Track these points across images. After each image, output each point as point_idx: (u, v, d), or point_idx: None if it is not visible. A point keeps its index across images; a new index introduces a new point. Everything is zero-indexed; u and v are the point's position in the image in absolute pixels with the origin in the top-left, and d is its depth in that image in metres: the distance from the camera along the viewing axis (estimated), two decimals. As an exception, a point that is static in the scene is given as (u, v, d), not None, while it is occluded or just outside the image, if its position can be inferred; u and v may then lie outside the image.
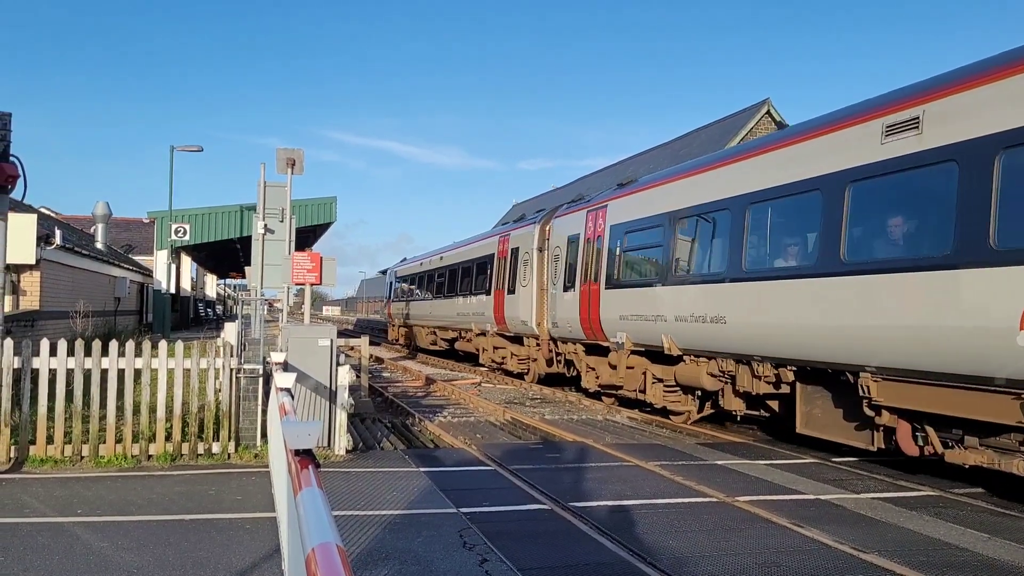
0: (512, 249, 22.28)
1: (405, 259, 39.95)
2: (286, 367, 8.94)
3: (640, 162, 44.63)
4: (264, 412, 10.00)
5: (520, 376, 22.29)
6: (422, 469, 9.73)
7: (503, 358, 23.20)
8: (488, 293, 24.14)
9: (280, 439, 6.24)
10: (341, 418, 10.52)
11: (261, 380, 10.27)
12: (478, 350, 25.61)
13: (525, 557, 6.35)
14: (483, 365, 25.38)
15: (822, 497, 8.71)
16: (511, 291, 21.97)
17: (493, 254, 24.19)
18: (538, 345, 20.51)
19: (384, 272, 63.74)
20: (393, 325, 40.21)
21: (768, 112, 34.42)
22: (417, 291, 34.77)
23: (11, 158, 8.84)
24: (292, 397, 6.15)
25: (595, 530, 7.21)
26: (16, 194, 9.14)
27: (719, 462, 10.64)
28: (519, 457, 10.76)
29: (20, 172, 8.86)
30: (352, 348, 17.12)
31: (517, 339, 22.29)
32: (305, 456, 3.45)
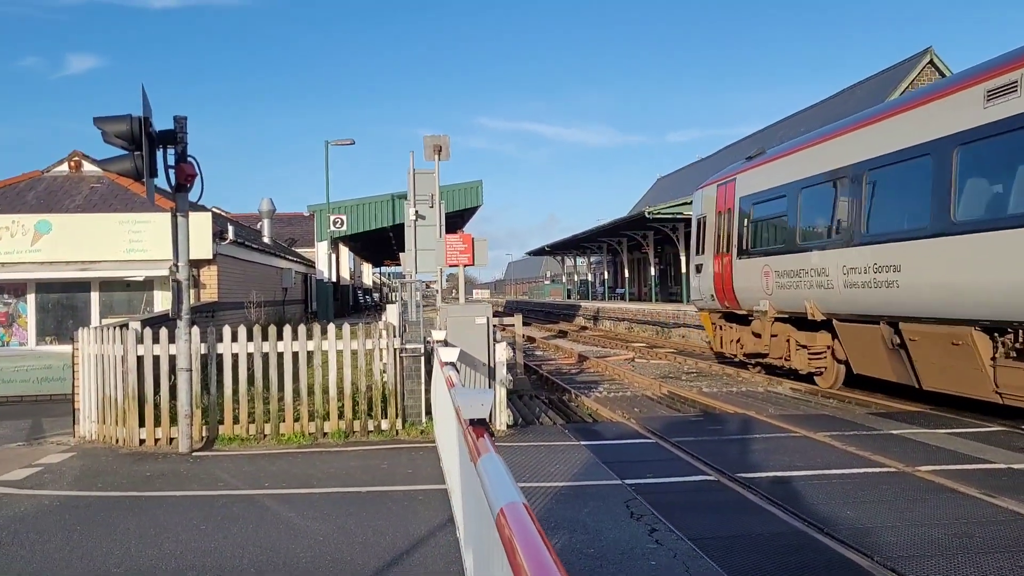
0: None
1: (760, 154, 16.68)
2: (446, 344, 9.18)
3: (790, 125, 42.81)
4: (427, 390, 10.34)
5: None
6: (583, 443, 9.78)
7: None
8: None
9: (447, 413, 6.44)
10: (501, 394, 10.72)
11: (423, 359, 10.61)
12: None
13: (694, 527, 6.26)
14: None
15: (1015, 466, 8.10)
16: None
17: None
18: None
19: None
20: (747, 314, 16.44)
21: (931, 62, 32.17)
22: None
23: (188, 158, 9.51)
24: (457, 371, 6.31)
25: (765, 500, 7.01)
26: (193, 195, 9.79)
27: (894, 431, 10.10)
28: (679, 429, 10.62)
29: (198, 172, 9.51)
30: (506, 327, 17.42)
31: None
32: (479, 425, 3.54)
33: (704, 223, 18.70)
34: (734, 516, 6.64)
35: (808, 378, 14.84)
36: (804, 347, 14.32)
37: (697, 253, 19.05)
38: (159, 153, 9.36)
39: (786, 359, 14.93)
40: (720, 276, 17.38)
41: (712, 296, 17.98)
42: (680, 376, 17.79)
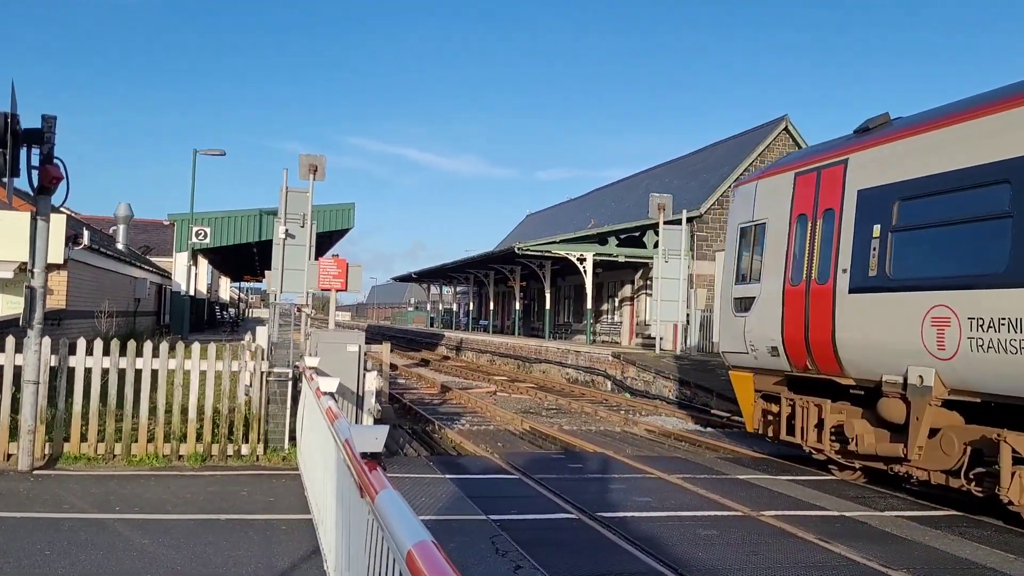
0: None
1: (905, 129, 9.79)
2: (320, 372, 9.07)
3: (654, 175, 44.82)
4: (293, 415, 10.14)
5: None
6: (448, 476, 9.84)
7: None
8: None
9: (319, 443, 6.38)
10: (368, 423, 10.65)
11: (290, 384, 10.41)
12: None
13: (558, 565, 6.46)
14: None
15: (846, 514, 8.79)
16: None
17: None
18: None
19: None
20: (851, 385, 10.23)
21: (786, 128, 34.52)
22: None
23: (55, 160, 9.01)
24: (336, 401, 6.28)
25: (625, 540, 7.31)
26: (57, 198, 9.28)
27: (741, 476, 10.72)
28: (542, 466, 10.86)
29: (64, 175, 9.03)
30: (370, 354, 17.29)
31: None
32: (372, 459, 3.57)
33: (758, 234, 12.07)
34: (595, 555, 6.89)
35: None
36: None
37: (739, 281, 12.43)
38: (23, 152, 8.84)
39: (967, 477, 8.53)
40: (799, 318, 10.83)
41: (775, 349, 11.29)
42: (541, 412, 18.17)
